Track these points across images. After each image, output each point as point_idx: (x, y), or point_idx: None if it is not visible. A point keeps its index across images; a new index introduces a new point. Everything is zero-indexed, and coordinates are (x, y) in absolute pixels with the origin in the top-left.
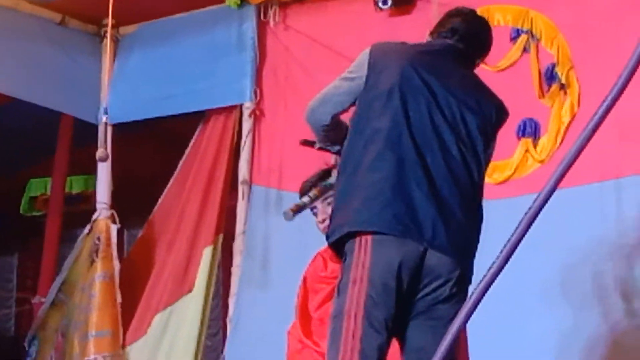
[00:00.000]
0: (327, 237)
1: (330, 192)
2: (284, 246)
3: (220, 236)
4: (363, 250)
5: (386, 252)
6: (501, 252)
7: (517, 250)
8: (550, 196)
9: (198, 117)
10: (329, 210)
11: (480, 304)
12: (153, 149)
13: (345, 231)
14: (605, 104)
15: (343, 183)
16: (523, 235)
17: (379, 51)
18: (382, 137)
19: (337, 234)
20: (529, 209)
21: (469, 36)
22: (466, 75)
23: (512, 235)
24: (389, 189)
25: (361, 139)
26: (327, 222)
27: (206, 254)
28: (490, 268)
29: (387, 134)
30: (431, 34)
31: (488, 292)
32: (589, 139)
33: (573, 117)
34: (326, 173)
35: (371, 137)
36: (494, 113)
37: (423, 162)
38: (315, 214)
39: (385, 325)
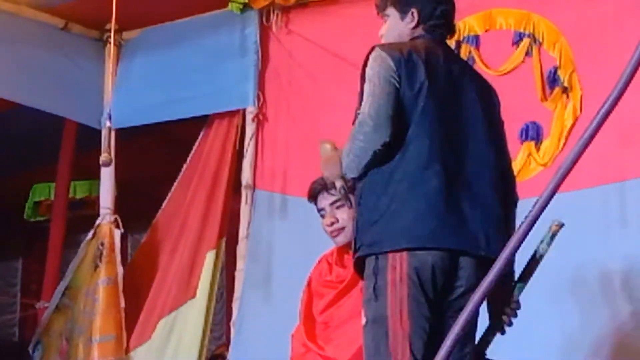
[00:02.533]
0: (371, 245)
1: (340, 197)
2: (287, 250)
3: (223, 240)
4: (399, 254)
5: (421, 253)
6: (502, 254)
7: (525, 252)
8: (549, 201)
9: (202, 121)
10: (338, 213)
11: None
12: (157, 152)
13: (398, 247)
14: (604, 109)
15: (379, 191)
16: (523, 239)
17: (393, 56)
18: (424, 148)
19: (387, 247)
20: (529, 213)
21: (452, 23)
22: (465, 67)
23: (512, 239)
24: (441, 202)
25: (396, 147)
26: (335, 225)
27: (209, 258)
28: (491, 269)
29: (429, 144)
30: (419, 22)
31: None
32: (588, 143)
33: (575, 120)
34: None
35: (409, 147)
36: (494, 97)
37: (464, 171)
38: (322, 216)
39: (429, 322)
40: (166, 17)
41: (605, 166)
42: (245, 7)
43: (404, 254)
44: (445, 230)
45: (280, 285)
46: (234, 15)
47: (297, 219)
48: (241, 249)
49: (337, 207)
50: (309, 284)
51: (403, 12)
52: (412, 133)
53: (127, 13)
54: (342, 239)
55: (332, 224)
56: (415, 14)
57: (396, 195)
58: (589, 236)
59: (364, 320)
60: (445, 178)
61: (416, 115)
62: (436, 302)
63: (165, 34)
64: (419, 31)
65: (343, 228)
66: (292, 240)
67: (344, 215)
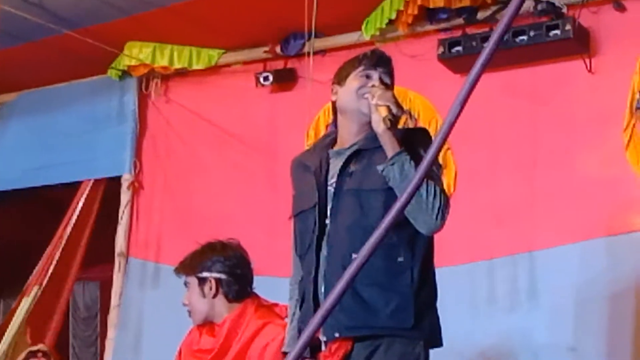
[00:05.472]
0: (429, 333)
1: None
2: (159, 319)
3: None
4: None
5: None
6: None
7: None
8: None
9: (77, 185)
10: (186, 294)
11: None
12: (32, 216)
13: (439, 344)
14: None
15: (431, 282)
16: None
17: None
18: None
19: (435, 342)
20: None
21: None
22: None
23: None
24: None
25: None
26: (186, 307)
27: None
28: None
29: None
30: None
31: None
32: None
33: (449, 197)
34: (209, 248)
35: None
36: None
37: None
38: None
39: None
40: (44, 81)
41: (476, 244)
42: (124, 74)
43: (428, 351)
44: None
45: (151, 354)
46: (113, 82)
47: (170, 288)
48: (112, 317)
49: (187, 289)
50: (179, 354)
51: None
52: None
53: (4, 75)
54: (193, 319)
55: (185, 305)
56: None
57: (435, 296)
58: (459, 312)
59: None
60: None
61: None
62: None
63: (42, 99)
64: None
65: (190, 311)
66: (164, 310)
67: (192, 298)
